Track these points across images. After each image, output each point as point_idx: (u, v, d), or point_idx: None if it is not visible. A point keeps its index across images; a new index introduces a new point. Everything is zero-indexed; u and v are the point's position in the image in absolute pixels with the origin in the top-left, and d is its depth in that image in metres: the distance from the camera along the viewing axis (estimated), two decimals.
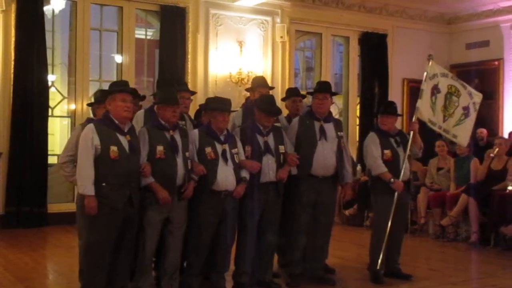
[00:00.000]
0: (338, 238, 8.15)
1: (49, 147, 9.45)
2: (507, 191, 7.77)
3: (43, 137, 9.00)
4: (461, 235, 8.29)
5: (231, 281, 5.51)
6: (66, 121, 12.36)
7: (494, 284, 6.02)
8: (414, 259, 6.94)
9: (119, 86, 4.87)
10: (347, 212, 9.71)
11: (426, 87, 6.26)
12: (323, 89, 5.84)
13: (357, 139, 11.78)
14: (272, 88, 6.38)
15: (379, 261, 5.85)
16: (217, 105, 5.33)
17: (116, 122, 4.71)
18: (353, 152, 11.38)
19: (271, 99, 5.64)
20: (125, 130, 4.75)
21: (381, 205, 5.95)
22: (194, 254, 5.23)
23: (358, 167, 9.94)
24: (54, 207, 8.99)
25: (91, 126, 4.69)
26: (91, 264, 4.74)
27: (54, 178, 9.05)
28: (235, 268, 5.52)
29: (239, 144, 5.41)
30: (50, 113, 9.32)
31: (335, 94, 6.13)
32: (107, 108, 4.77)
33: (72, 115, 9.73)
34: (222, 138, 5.26)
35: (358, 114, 11.97)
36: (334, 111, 12.52)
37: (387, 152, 5.90)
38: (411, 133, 6.04)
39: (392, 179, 5.80)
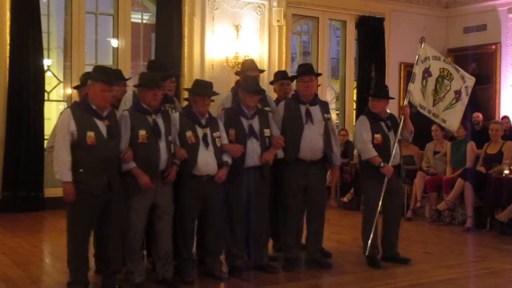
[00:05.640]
0: (334, 222, 8.21)
1: (45, 132, 9.41)
2: (503, 175, 7.78)
3: (39, 121, 8.99)
4: (457, 219, 8.32)
5: (226, 265, 5.55)
6: (62, 106, 12.32)
7: (489, 268, 6.06)
8: (410, 243, 6.97)
9: (103, 74, 4.74)
10: (345, 199, 9.73)
11: (418, 71, 6.23)
12: (308, 71, 5.80)
13: (354, 123, 11.76)
14: (262, 71, 6.28)
15: (368, 246, 5.86)
16: (197, 89, 5.29)
17: (94, 107, 4.64)
18: (350, 136, 11.40)
19: (254, 79, 5.62)
20: (103, 115, 4.67)
21: (370, 189, 5.94)
22: (181, 238, 5.20)
23: (355, 151, 9.93)
24: (50, 192, 8.98)
25: (68, 111, 4.64)
26: (73, 250, 4.75)
27: (51, 162, 8.99)
28: (229, 252, 5.54)
29: (222, 127, 5.36)
30: (46, 98, 9.31)
31: (319, 75, 6.09)
32: (87, 92, 4.70)
33: (68, 99, 9.71)
34: (203, 121, 5.21)
35: (355, 98, 11.96)
36: (331, 95, 12.55)
37: (378, 136, 5.86)
38: (402, 117, 6.01)
39: (382, 164, 5.77)
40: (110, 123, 4.68)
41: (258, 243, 5.59)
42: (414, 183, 8.80)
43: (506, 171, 7.77)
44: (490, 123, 8.74)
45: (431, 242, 7.40)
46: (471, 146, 8.44)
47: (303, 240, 6.06)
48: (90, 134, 4.56)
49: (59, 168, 4.58)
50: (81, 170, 4.56)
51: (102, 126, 4.64)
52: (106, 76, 4.75)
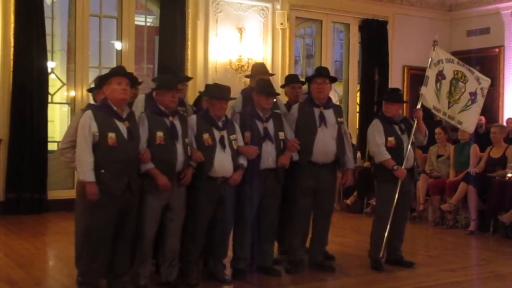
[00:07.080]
0: (338, 225, 8.19)
1: (49, 134, 9.47)
2: (507, 178, 7.76)
3: (43, 123, 9.00)
4: (460, 222, 8.31)
5: (229, 267, 5.54)
6: (66, 108, 12.37)
7: (492, 271, 6.04)
8: (414, 246, 6.95)
9: (115, 69, 4.87)
10: (348, 201, 9.72)
11: (431, 74, 6.24)
12: (322, 74, 5.82)
13: (357, 126, 11.79)
14: (272, 75, 6.36)
15: (382, 248, 5.86)
16: (215, 92, 5.32)
17: (114, 108, 4.69)
18: (353, 139, 11.41)
19: (268, 81, 5.65)
20: (124, 116, 4.72)
21: (384, 192, 5.94)
22: (191, 240, 5.21)
23: (358, 154, 9.94)
24: (54, 194, 9.01)
25: (89, 113, 4.68)
26: (90, 250, 4.74)
27: (54, 165, 9.06)
28: (233, 254, 5.54)
29: (238, 130, 5.39)
30: (49, 100, 9.31)
31: (334, 79, 6.09)
32: (105, 94, 4.76)
33: (71, 102, 9.72)
34: (220, 124, 5.25)
35: (358, 101, 11.97)
36: (334, 98, 12.54)
37: (391, 139, 5.87)
38: (415, 120, 6.03)
39: (395, 166, 5.78)
40: (129, 125, 4.74)
41: (264, 246, 5.59)
42: (417, 186, 8.78)
43: (509, 174, 7.76)
44: (491, 126, 8.73)
45: (435, 245, 7.40)
46: (474, 148, 8.44)
47: (307, 243, 6.05)
48: (111, 135, 4.61)
49: (82, 169, 4.59)
50: (102, 171, 4.59)
51: (122, 127, 4.68)
52: (119, 70, 4.85)
